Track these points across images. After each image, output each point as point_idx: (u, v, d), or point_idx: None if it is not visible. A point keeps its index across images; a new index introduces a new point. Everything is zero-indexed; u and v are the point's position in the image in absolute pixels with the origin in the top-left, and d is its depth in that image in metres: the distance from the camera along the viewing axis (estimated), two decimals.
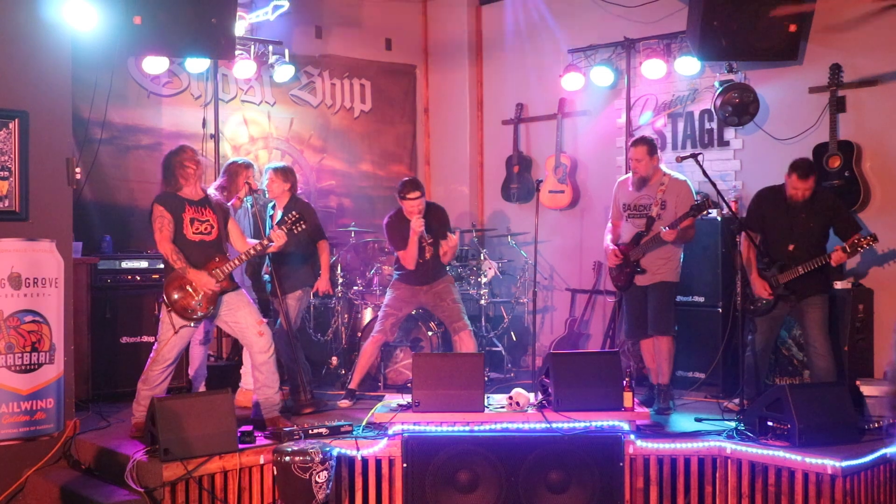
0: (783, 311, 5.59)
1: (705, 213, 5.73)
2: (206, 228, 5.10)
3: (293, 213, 5.32)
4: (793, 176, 5.44)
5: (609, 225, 6.10)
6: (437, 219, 6.16)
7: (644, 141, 5.84)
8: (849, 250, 5.28)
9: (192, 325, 5.06)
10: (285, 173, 6.15)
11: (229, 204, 5.55)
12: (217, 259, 5.07)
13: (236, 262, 5.11)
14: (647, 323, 5.80)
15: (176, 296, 4.99)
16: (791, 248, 5.49)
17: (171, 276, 5.02)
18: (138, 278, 6.36)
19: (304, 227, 5.29)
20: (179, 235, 5.03)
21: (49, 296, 5.14)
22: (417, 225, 5.92)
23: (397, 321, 6.18)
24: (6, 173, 5.04)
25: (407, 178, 6.19)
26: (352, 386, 6.15)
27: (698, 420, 5.36)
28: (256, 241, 5.26)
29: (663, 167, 5.90)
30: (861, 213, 6.11)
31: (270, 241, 5.17)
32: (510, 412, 5.00)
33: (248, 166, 6.11)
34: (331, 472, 4.57)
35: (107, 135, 6.83)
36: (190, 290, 5.00)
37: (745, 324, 5.53)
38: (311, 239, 6.10)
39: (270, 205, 6.30)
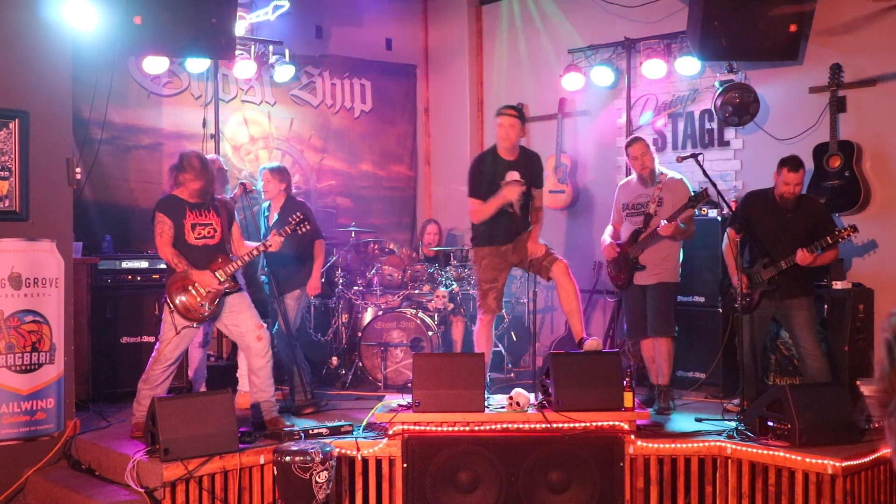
0: (768, 310, 5.60)
1: (703, 204, 5.75)
2: (208, 232, 5.09)
3: (297, 214, 5.34)
4: (783, 170, 5.50)
5: (609, 227, 6.11)
6: (532, 165, 5.63)
7: (641, 137, 5.99)
8: (814, 250, 5.27)
9: (196, 325, 5.07)
10: (280, 173, 6.17)
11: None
12: (220, 260, 5.07)
13: (238, 263, 5.12)
14: (647, 323, 5.81)
15: (179, 297, 4.99)
16: (776, 247, 5.50)
17: (174, 278, 5.02)
18: (138, 278, 6.36)
19: (307, 228, 5.32)
20: (181, 240, 5.03)
21: (49, 296, 5.14)
22: (512, 191, 5.42)
23: (499, 294, 5.65)
24: (6, 173, 5.04)
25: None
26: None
27: (698, 420, 5.36)
28: (258, 243, 5.26)
29: (660, 166, 5.92)
30: (861, 214, 6.11)
31: (270, 244, 5.18)
32: (510, 412, 5.00)
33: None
34: (331, 472, 4.57)
35: (107, 135, 6.82)
36: (193, 291, 5.00)
37: (743, 324, 5.53)
38: (308, 239, 6.10)
39: (265, 205, 6.31)
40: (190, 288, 5.00)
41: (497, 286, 5.63)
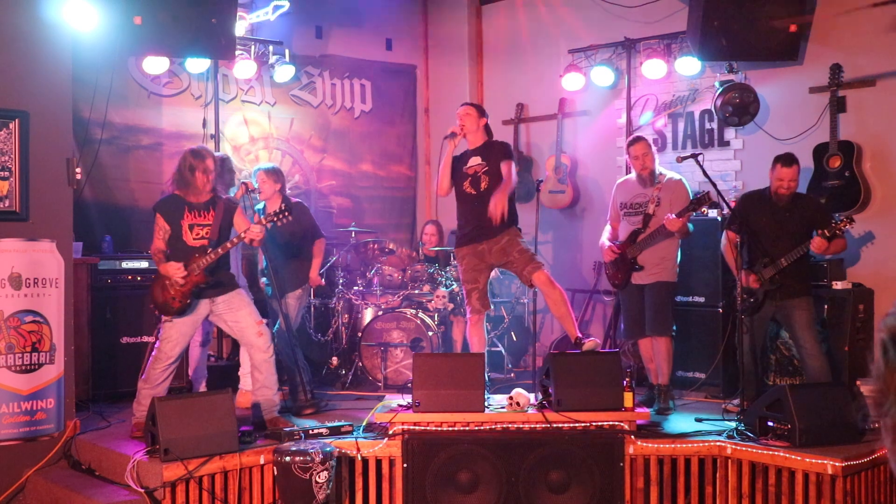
0: (769, 310, 5.60)
1: (705, 208, 5.75)
2: (206, 233, 5.08)
3: (280, 205, 5.33)
4: (776, 166, 5.52)
5: (607, 227, 6.12)
6: (497, 148, 5.72)
7: (643, 137, 6.01)
8: (828, 234, 5.28)
9: (172, 318, 5.03)
10: (276, 174, 6.16)
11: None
12: (197, 255, 5.05)
13: (212, 255, 5.00)
14: (645, 322, 5.81)
15: (156, 292, 5.02)
16: (775, 246, 5.50)
17: (155, 275, 5.10)
18: (138, 278, 6.36)
19: (288, 217, 5.18)
20: (180, 242, 5.02)
21: (49, 296, 5.14)
22: (450, 128, 5.65)
23: (482, 293, 5.64)
24: (6, 173, 5.04)
25: None
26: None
27: (698, 420, 5.36)
28: (234, 236, 5.17)
29: (660, 167, 5.93)
30: (861, 214, 6.11)
31: (243, 236, 5.05)
32: (510, 412, 5.00)
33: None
34: (331, 472, 4.57)
35: (107, 135, 6.83)
36: (167, 283, 4.99)
37: (743, 324, 5.53)
38: (308, 238, 6.11)
39: (260, 206, 6.29)
40: (166, 283, 4.99)
41: (478, 286, 5.66)
